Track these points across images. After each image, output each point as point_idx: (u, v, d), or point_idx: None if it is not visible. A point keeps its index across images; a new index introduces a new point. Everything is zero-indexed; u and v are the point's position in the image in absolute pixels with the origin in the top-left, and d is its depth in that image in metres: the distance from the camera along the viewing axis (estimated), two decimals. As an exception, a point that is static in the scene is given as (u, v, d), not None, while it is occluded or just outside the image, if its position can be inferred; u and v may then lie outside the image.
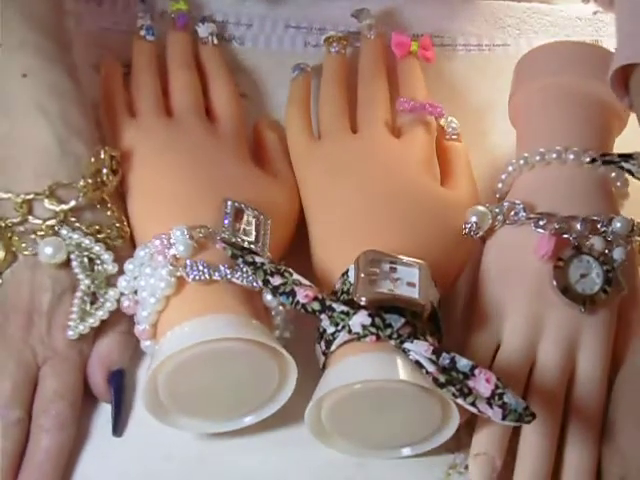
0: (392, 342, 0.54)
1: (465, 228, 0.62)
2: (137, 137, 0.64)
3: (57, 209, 0.58)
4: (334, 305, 0.54)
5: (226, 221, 0.58)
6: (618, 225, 0.60)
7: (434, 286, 0.57)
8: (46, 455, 0.55)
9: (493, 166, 0.68)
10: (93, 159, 0.60)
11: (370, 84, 0.70)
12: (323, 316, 0.55)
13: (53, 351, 0.57)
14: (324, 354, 0.56)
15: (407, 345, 0.53)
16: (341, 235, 0.61)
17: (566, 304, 0.59)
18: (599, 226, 0.61)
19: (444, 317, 0.57)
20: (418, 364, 0.53)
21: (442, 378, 0.52)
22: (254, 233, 0.59)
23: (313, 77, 0.72)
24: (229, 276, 0.56)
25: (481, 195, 0.66)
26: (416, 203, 0.62)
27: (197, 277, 0.56)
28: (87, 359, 0.58)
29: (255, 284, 0.56)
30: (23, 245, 0.58)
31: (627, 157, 0.55)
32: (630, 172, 0.56)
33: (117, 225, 0.60)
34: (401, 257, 0.56)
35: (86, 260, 0.58)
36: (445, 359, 0.53)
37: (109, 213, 0.60)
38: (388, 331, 0.54)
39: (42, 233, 0.58)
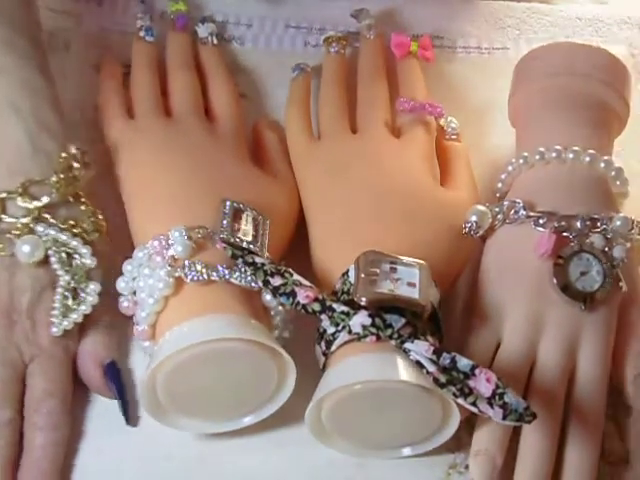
0: (392, 342, 0.54)
1: (465, 227, 0.62)
2: (135, 138, 0.64)
3: (31, 206, 0.58)
4: (334, 305, 0.54)
5: (224, 221, 0.58)
6: (618, 223, 0.61)
7: (434, 286, 0.57)
8: (43, 452, 0.55)
9: (493, 166, 0.68)
10: (64, 154, 0.60)
11: (370, 84, 0.70)
12: (323, 316, 0.55)
13: (38, 348, 0.57)
14: (324, 354, 0.56)
15: (407, 345, 0.53)
16: (341, 235, 0.61)
17: (566, 302, 0.59)
18: (599, 224, 0.61)
19: (444, 317, 0.57)
20: (419, 364, 0.53)
21: (443, 378, 0.52)
22: (252, 233, 0.58)
23: (313, 77, 0.72)
24: (227, 276, 0.56)
25: (481, 195, 0.66)
26: (416, 203, 0.62)
27: (195, 277, 0.56)
28: (73, 355, 0.58)
29: (254, 284, 0.56)
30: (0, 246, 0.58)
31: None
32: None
33: (92, 219, 0.60)
34: (401, 257, 0.56)
35: (64, 255, 0.58)
36: (446, 359, 0.53)
37: (83, 207, 0.60)
38: (388, 331, 0.54)
39: (17, 232, 0.58)
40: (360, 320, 0.54)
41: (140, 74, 0.69)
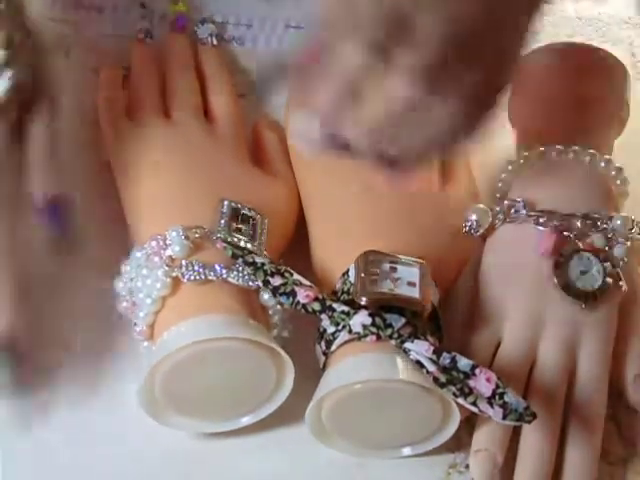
0: (392, 342, 0.54)
1: (465, 226, 0.62)
2: (135, 138, 0.64)
3: None
4: (334, 305, 0.54)
5: (222, 221, 0.58)
6: (618, 223, 0.61)
7: (434, 286, 0.57)
8: None
9: (493, 166, 0.68)
10: None
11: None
12: (323, 316, 0.55)
13: None
14: (324, 354, 0.56)
15: (407, 345, 0.53)
16: (341, 235, 0.61)
17: (567, 301, 0.59)
18: (599, 223, 0.61)
19: (444, 317, 0.57)
20: (419, 364, 0.53)
21: (443, 378, 0.52)
22: (250, 232, 0.58)
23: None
24: (225, 276, 0.56)
25: (481, 195, 0.66)
26: (416, 202, 0.62)
27: (192, 277, 0.56)
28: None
29: (251, 283, 0.56)
30: None
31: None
32: None
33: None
34: (401, 257, 0.56)
35: None
36: (446, 359, 0.53)
37: None
38: (388, 331, 0.54)
39: None
40: (360, 320, 0.54)
41: (139, 75, 0.69)
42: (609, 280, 0.59)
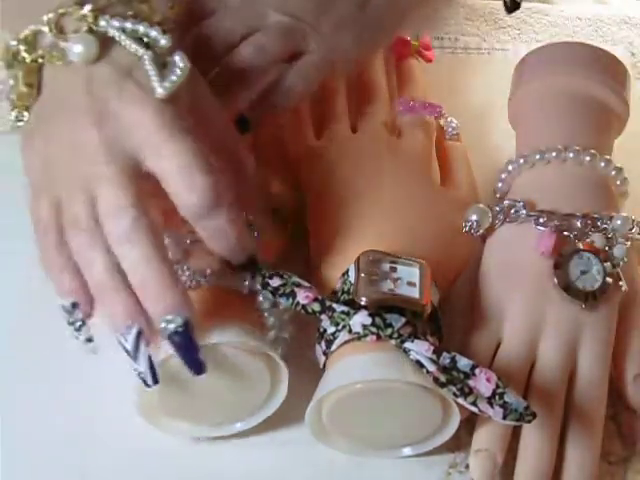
0: (393, 342, 0.54)
1: (465, 226, 0.62)
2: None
3: (84, 12, 0.53)
4: (334, 305, 0.54)
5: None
6: (618, 223, 0.61)
7: (434, 285, 0.57)
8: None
9: (493, 166, 0.68)
10: None
11: (367, 81, 0.70)
12: (323, 316, 0.54)
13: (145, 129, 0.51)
14: (325, 354, 0.56)
15: (407, 345, 0.53)
16: (341, 235, 0.61)
17: (567, 301, 0.59)
18: (599, 223, 0.61)
19: (444, 317, 0.57)
20: (419, 364, 0.53)
21: (443, 378, 0.52)
22: None
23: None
24: (215, 281, 0.55)
25: (481, 195, 0.66)
26: (416, 202, 0.62)
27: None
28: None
29: (242, 287, 0.56)
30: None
31: None
32: None
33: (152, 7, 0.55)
34: (401, 257, 0.56)
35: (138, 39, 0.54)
36: (446, 359, 0.53)
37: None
38: (388, 331, 0.54)
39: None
40: (360, 319, 0.54)
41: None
42: (609, 280, 0.59)
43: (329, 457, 0.57)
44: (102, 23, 0.52)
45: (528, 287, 0.59)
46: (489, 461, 0.56)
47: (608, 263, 0.60)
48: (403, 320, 0.54)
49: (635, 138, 0.69)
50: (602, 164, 0.63)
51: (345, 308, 0.54)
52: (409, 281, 0.55)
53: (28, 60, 0.53)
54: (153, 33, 0.53)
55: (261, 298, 0.56)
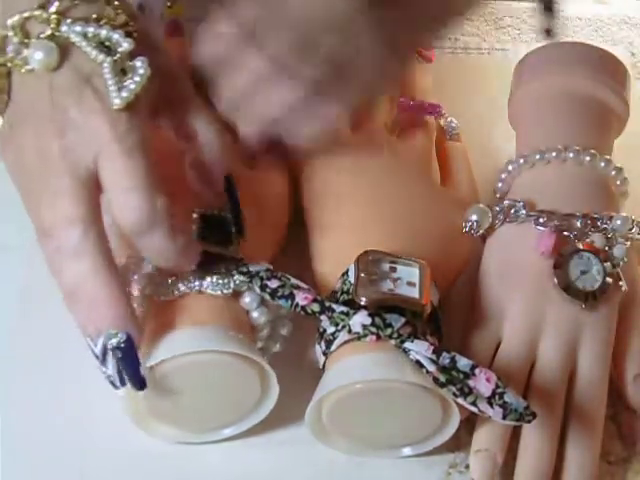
0: (392, 342, 0.53)
1: (465, 226, 0.62)
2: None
3: (47, 15, 0.53)
4: (334, 306, 0.54)
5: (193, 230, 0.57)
6: (618, 222, 0.61)
7: (434, 285, 0.57)
8: None
9: (493, 166, 0.68)
10: None
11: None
12: (323, 317, 0.54)
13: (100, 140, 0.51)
14: (324, 354, 0.56)
15: (407, 345, 0.53)
16: (340, 234, 0.61)
17: (567, 301, 0.59)
18: (599, 223, 0.61)
19: (444, 317, 0.57)
20: (418, 364, 0.53)
21: (442, 378, 0.52)
22: (223, 237, 0.57)
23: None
24: (198, 287, 0.55)
25: (481, 195, 0.66)
26: (416, 202, 0.62)
27: (166, 294, 0.55)
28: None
29: (225, 291, 0.55)
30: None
31: None
32: None
33: (116, 8, 0.55)
34: (401, 257, 0.56)
35: (99, 44, 0.53)
36: (445, 359, 0.53)
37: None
38: (388, 331, 0.54)
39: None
40: (360, 320, 0.54)
41: None
42: (609, 280, 0.59)
43: (328, 457, 0.57)
44: (63, 28, 0.53)
45: (528, 287, 0.59)
46: (489, 461, 0.56)
47: (608, 263, 0.60)
48: (403, 320, 0.54)
49: (635, 138, 0.69)
50: (602, 164, 0.63)
51: (345, 308, 0.54)
52: (409, 281, 0.55)
53: None
54: (115, 37, 0.53)
55: (247, 299, 0.56)
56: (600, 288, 0.59)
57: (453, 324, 0.60)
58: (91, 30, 0.53)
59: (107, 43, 0.53)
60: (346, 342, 0.55)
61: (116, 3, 0.55)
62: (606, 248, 0.60)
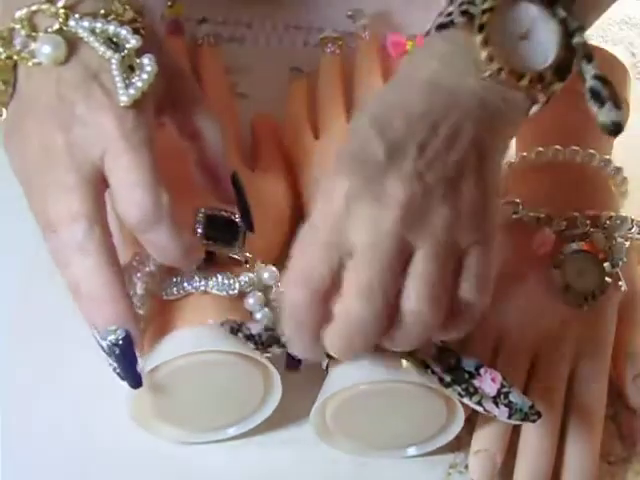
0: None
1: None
2: None
3: (56, 10, 0.53)
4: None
5: (198, 230, 0.57)
6: (617, 222, 0.61)
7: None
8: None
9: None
10: None
11: (366, 84, 0.70)
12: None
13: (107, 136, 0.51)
14: (327, 356, 0.55)
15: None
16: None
17: (566, 302, 0.59)
18: (598, 224, 0.61)
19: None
20: (423, 364, 0.52)
21: (448, 378, 0.52)
22: (228, 238, 0.57)
23: (311, 77, 0.72)
24: (203, 287, 0.55)
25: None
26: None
27: (170, 293, 0.55)
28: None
29: (231, 292, 0.55)
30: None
31: None
32: None
33: (124, 4, 0.55)
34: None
35: (107, 40, 0.53)
36: (450, 359, 0.53)
37: None
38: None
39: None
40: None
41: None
42: (608, 280, 0.59)
43: (330, 457, 0.57)
44: (71, 23, 0.52)
45: (527, 287, 0.59)
46: (488, 462, 0.56)
47: (607, 263, 0.60)
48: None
49: (635, 138, 0.69)
50: (601, 164, 0.63)
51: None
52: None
53: (3, 57, 0.53)
54: (123, 33, 0.53)
55: (251, 300, 0.56)
56: (599, 288, 0.59)
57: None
58: (99, 25, 0.53)
59: (115, 39, 0.53)
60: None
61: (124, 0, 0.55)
62: (606, 248, 0.60)
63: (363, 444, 0.57)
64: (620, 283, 0.60)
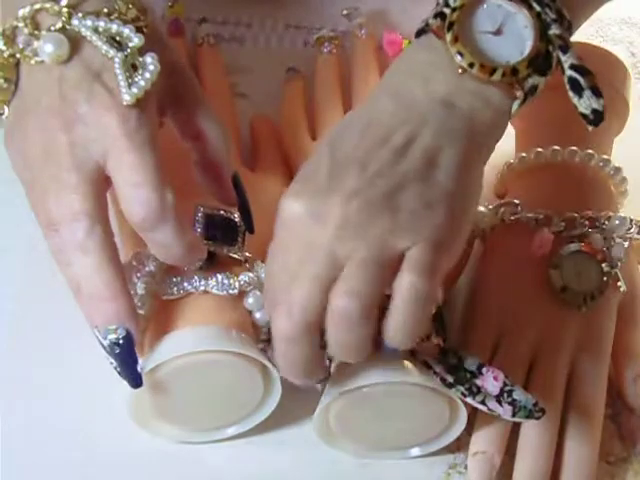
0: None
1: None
2: None
3: (57, 8, 0.53)
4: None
5: (197, 229, 0.57)
6: (616, 223, 0.61)
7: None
8: None
9: (492, 166, 0.68)
10: None
11: (363, 83, 0.70)
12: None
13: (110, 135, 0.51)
14: (329, 359, 0.55)
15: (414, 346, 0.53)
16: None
17: (565, 303, 0.59)
18: (597, 224, 0.61)
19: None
20: (426, 365, 0.52)
21: (450, 378, 0.52)
22: (228, 237, 0.57)
23: (308, 78, 0.72)
24: (203, 287, 0.55)
25: (480, 195, 0.66)
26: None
27: (170, 293, 0.55)
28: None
29: (231, 291, 0.56)
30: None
31: None
32: None
33: (127, 3, 0.55)
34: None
35: (110, 39, 0.53)
36: (452, 359, 0.53)
37: None
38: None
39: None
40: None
41: None
42: (607, 280, 0.59)
43: (330, 457, 0.57)
44: (74, 22, 0.52)
45: (527, 287, 0.59)
46: (487, 463, 0.56)
47: (606, 263, 0.60)
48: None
49: (635, 138, 0.69)
50: (600, 164, 0.63)
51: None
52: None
53: (6, 55, 0.52)
54: (126, 32, 0.53)
55: (251, 299, 0.56)
56: (598, 288, 0.59)
57: (453, 324, 0.60)
58: (102, 24, 0.53)
59: (118, 38, 0.53)
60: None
61: None
62: (604, 248, 0.60)
63: (366, 446, 0.57)
64: (619, 284, 0.60)
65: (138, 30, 0.53)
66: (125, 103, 0.51)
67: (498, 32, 0.51)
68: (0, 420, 0.57)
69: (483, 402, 0.52)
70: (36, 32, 0.52)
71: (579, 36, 0.78)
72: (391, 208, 0.47)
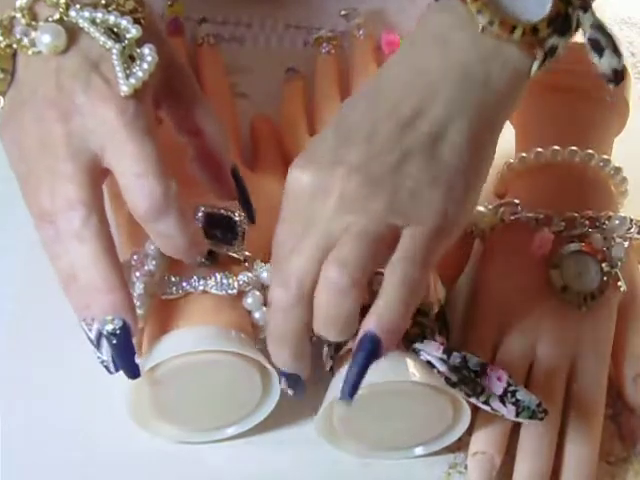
0: (402, 343, 0.53)
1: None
2: None
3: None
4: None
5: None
6: (616, 222, 0.61)
7: (440, 283, 0.57)
8: None
9: (492, 166, 0.68)
10: None
11: (362, 83, 0.70)
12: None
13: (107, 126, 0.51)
14: (331, 358, 0.55)
15: (417, 345, 0.53)
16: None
17: (565, 301, 0.59)
18: (597, 224, 0.61)
19: (443, 317, 0.58)
20: (429, 364, 0.52)
21: (454, 377, 0.52)
22: (228, 236, 0.58)
23: (308, 78, 0.72)
24: (202, 287, 0.55)
25: (480, 195, 0.66)
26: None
27: (169, 292, 0.55)
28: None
29: (230, 291, 0.56)
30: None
31: None
32: None
33: None
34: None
35: (108, 30, 0.53)
36: (456, 358, 0.52)
37: None
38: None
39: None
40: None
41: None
42: (607, 280, 0.59)
43: (331, 457, 0.57)
44: (72, 13, 0.52)
45: (526, 287, 0.59)
46: (487, 464, 0.56)
47: (606, 263, 0.60)
48: (411, 321, 0.54)
49: (635, 138, 0.69)
50: (600, 164, 0.63)
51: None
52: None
53: (3, 45, 0.52)
54: (124, 23, 0.53)
55: (250, 299, 0.56)
56: (598, 288, 0.59)
57: (453, 324, 0.60)
58: (100, 16, 0.53)
59: (115, 29, 0.53)
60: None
61: None
62: (605, 248, 0.60)
63: (369, 445, 0.57)
64: (619, 283, 0.60)
65: (136, 22, 0.53)
66: (123, 94, 0.51)
67: (518, -10, 0.50)
68: (0, 420, 0.57)
69: (487, 402, 0.52)
70: (33, 23, 0.52)
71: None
72: (393, 183, 0.47)
